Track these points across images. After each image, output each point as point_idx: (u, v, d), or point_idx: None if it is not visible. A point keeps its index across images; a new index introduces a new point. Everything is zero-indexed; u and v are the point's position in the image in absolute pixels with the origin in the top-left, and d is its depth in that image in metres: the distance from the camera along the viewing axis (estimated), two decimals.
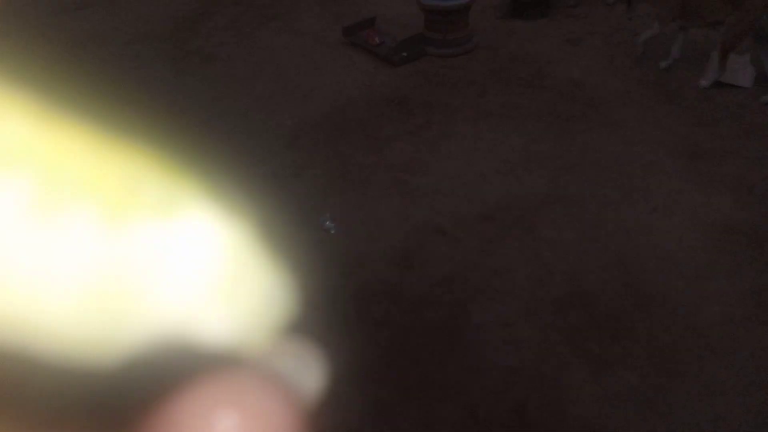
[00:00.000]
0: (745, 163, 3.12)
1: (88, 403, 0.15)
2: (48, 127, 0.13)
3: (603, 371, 2.21)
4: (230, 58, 4.62)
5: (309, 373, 0.17)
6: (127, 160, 0.14)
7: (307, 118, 3.86)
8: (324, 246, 2.85)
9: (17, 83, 0.13)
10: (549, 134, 3.50)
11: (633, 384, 2.16)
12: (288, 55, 4.64)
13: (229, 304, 0.15)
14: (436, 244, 2.81)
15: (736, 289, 2.48)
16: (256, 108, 3.99)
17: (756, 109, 3.53)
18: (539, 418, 2.12)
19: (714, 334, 2.30)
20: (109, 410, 0.15)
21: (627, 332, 2.35)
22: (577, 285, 2.56)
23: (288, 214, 3.06)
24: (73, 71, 4.45)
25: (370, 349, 2.38)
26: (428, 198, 3.11)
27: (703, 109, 3.59)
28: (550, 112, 3.69)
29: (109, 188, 0.13)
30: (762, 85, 3.68)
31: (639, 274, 2.57)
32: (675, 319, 2.38)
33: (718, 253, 2.65)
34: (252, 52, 4.70)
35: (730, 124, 3.44)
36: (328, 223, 2.98)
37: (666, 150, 3.28)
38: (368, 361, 2.34)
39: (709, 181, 3.03)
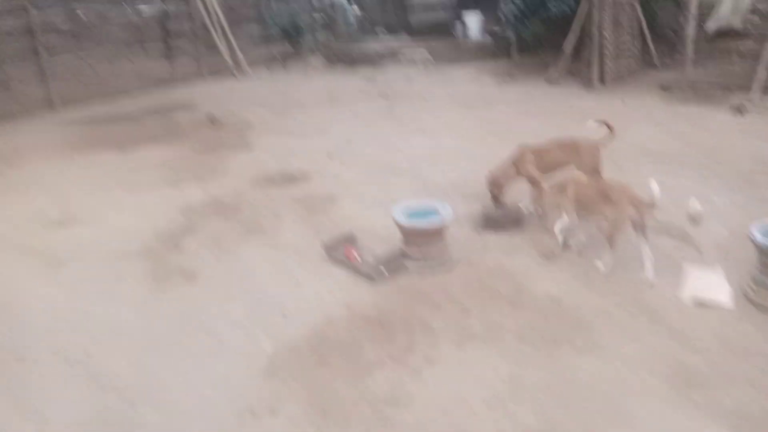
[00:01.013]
0: (742, 392, 3.02)
1: None
2: None
3: None
4: (211, 276, 4.61)
5: None
6: None
7: (286, 341, 3.75)
8: None
9: None
10: (535, 359, 3.41)
11: None
12: (269, 271, 4.66)
13: None
14: None
15: None
16: (233, 332, 3.88)
17: (741, 330, 3.53)
18: None
19: None
20: None
21: None
22: None
23: None
24: (50, 296, 4.39)
25: None
26: None
27: (686, 328, 3.58)
28: (533, 333, 3.64)
29: None
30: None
31: None
32: None
33: None
34: (233, 268, 4.72)
35: (717, 345, 3.40)
36: None
37: (658, 376, 3.19)
38: None
39: (706, 413, 2.90)
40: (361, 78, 12.84)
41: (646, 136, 7.49)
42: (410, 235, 4.49)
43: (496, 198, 5.22)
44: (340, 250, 4.75)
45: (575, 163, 5.13)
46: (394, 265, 4.45)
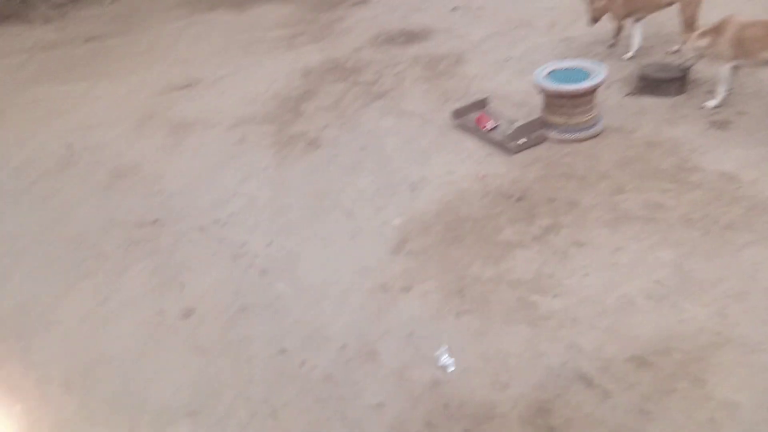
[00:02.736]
0: None
1: None
2: None
3: None
4: (334, 144, 4.39)
5: None
6: None
7: (416, 216, 3.51)
8: (441, 390, 2.44)
9: None
10: (706, 247, 2.93)
11: None
12: (394, 139, 4.35)
13: None
14: (580, 398, 2.32)
15: None
16: (360, 204, 3.69)
17: None
18: None
19: None
20: None
21: None
22: None
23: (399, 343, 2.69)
24: (175, 161, 4.39)
25: None
26: (564, 329, 2.63)
27: None
28: (703, 216, 3.12)
29: None
30: None
31: None
32: None
33: None
34: (356, 136, 4.45)
35: None
36: (445, 357, 2.57)
37: None
38: None
39: None
40: None
41: None
42: (555, 100, 3.94)
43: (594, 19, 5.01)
44: (471, 118, 4.30)
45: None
46: (533, 134, 3.96)
